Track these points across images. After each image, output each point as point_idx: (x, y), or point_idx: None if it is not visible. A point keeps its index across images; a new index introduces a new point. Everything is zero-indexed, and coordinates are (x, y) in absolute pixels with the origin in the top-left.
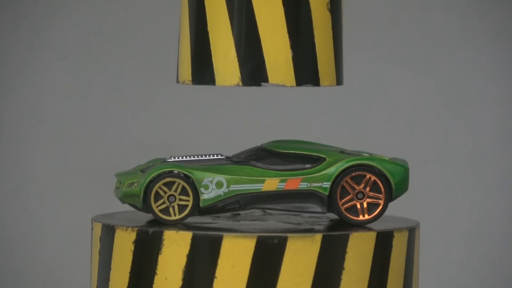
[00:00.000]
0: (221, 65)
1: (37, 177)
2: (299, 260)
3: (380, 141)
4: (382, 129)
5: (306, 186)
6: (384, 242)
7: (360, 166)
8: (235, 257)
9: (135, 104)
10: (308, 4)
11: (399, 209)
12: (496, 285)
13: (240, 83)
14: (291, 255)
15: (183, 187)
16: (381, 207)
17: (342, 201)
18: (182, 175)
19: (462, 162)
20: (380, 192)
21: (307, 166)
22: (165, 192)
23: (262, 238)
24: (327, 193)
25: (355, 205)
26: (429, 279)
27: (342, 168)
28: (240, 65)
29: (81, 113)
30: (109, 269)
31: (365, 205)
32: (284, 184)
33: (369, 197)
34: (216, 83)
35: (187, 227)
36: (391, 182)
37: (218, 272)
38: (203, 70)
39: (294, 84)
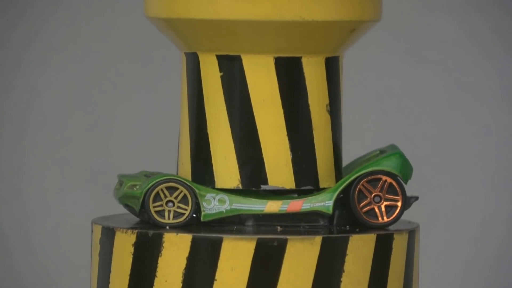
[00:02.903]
0: (220, 168)
1: (36, 178)
2: (299, 263)
3: (380, 142)
4: (382, 130)
5: (309, 207)
6: (384, 244)
7: (367, 174)
8: (235, 259)
9: (137, 105)
10: (307, 106)
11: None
12: None
13: (240, 186)
14: (291, 258)
15: (184, 196)
16: (398, 208)
17: (361, 205)
18: (186, 185)
19: (464, 163)
20: (396, 194)
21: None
22: (165, 196)
23: (262, 241)
24: (330, 212)
25: (373, 209)
26: (429, 281)
27: (343, 187)
28: (239, 168)
29: (81, 114)
30: (109, 271)
31: (383, 208)
32: (286, 206)
33: (386, 199)
34: (216, 185)
35: (187, 230)
36: (396, 174)
37: (218, 275)
38: (202, 172)
39: (294, 187)
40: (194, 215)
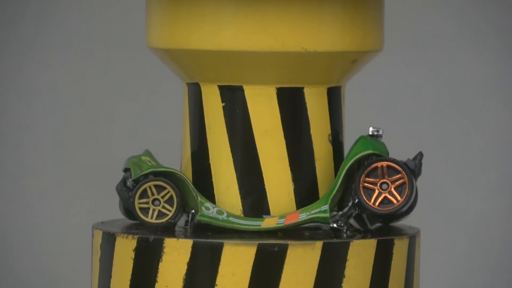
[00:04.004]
0: (222, 197)
1: (36, 179)
2: (300, 268)
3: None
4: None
5: (306, 216)
6: (384, 249)
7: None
8: (236, 264)
9: (138, 106)
10: (309, 136)
11: None
12: None
13: (242, 215)
14: (291, 263)
15: (171, 197)
16: (407, 183)
17: (372, 200)
18: (173, 186)
19: (464, 165)
20: (398, 172)
21: None
22: (152, 194)
23: (263, 246)
24: (327, 216)
25: (385, 197)
26: (429, 286)
27: (336, 189)
28: (241, 198)
29: (82, 115)
30: (110, 276)
31: (394, 191)
32: (283, 219)
33: (392, 182)
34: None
35: (188, 235)
36: (376, 152)
37: (219, 280)
38: None
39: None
40: (176, 219)
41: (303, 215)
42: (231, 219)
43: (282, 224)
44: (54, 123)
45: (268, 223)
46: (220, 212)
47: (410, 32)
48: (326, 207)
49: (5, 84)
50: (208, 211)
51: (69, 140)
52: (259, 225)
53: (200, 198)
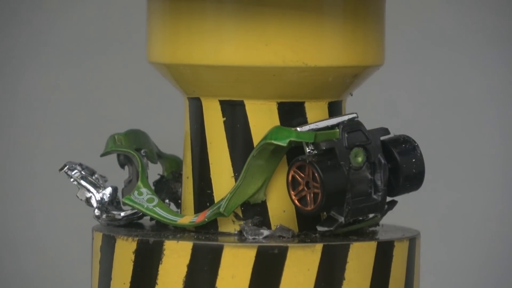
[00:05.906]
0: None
1: (37, 181)
2: (300, 270)
3: None
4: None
5: (210, 212)
6: (384, 252)
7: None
8: (236, 267)
9: (139, 106)
10: None
11: (399, 218)
12: None
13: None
14: (291, 265)
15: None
16: (307, 165)
17: (295, 193)
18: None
19: (464, 167)
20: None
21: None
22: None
23: (263, 248)
24: (223, 209)
25: (306, 195)
26: None
27: (238, 185)
28: (243, 212)
29: (83, 115)
30: (110, 279)
31: (312, 194)
32: (196, 218)
33: (314, 186)
34: (219, 229)
35: (188, 237)
36: (281, 145)
37: (219, 282)
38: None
39: (297, 230)
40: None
41: (208, 213)
42: (156, 209)
43: (193, 222)
44: (55, 123)
45: (184, 220)
46: (150, 200)
47: (411, 32)
48: (226, 202)
49: (5, 84)
50: (139, 196)
51: (70, 141)
52: (176, 221)
53: (140, 182)
